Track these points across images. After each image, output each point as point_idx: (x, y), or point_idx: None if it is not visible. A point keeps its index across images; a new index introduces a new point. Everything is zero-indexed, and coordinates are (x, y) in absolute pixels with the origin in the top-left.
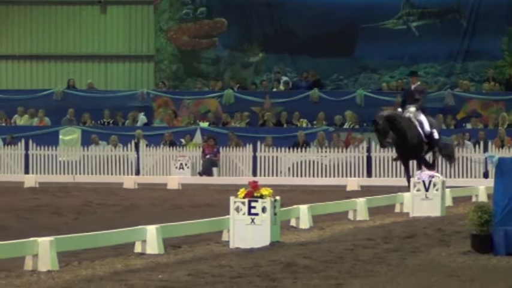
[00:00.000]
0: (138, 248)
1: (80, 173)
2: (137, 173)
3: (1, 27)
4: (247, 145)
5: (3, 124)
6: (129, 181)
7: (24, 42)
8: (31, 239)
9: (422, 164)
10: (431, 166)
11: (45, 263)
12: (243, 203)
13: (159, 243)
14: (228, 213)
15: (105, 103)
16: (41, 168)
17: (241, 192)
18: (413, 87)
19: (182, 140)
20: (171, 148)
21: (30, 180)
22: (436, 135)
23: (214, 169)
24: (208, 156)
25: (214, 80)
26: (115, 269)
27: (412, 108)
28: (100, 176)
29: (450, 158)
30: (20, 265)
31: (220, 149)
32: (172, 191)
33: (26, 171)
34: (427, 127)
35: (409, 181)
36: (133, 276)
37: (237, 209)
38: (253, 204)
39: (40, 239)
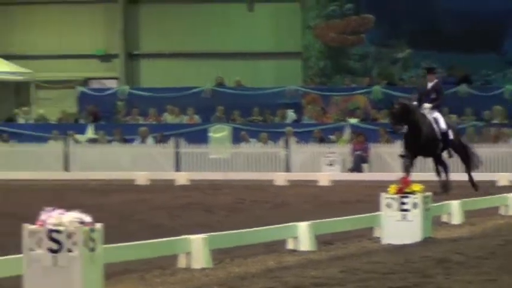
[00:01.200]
0: (290, 245)
1: (230, 171)
2: (287, 170)
3: (151, 26)
4: (397, 141)
5: (154, 122)
6: (280, 178)
7: (173, 40)
8: (184, 236)
9: (439, 164)
10: (447, 167)
11: (199, 260)
12: (394, 199)
13: (311, 239)
14: (378, 209)
15: (254, 100)
16: (192, 166)
17: (392, 188)
18: (430, 85)
19: (331, 137)
20: (320, 145)
21: (182, 178)
22: (451, 136)
23: (364, 165)
24: (358, 153)
25: (361, 77)
26: (267, 266)
27: (427, 105)
28: (250, 173)
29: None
30: (173, 263)
31: (370, 145)
32: (323, 188)
33: (177, 169)
34: (442, 125)
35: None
36: (286, 273)
37: (388, 205)
38: (404, 200)
39: (193, 237)
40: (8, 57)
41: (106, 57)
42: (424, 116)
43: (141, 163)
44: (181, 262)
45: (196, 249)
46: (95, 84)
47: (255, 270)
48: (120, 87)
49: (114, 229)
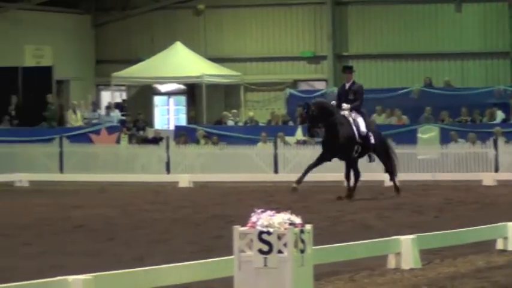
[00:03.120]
0: (499, 245)
1: (439, 171)
2: (496, 170)
3: (359, 27)
4: None
5: None
6: (488, 178)
7: (380, 41)
8: (394, 237)
9: (352, 168)
10: (358, 175)
11: (408, 260)
12: None
13: None
14: None
15: (462, 100)
16: (401, 167)
17: None
18: (347, 85)
19: None
20: None
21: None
22: (372, 140)
23: None
24: None
25: None
26: (477, 266)
27: (346, 105)
28: (459, 173)
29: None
30: (382, 263)
31: None
32: None
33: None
34: (363, 128)
35: (300, 180)
36: (496, 273)
37: None
38: None
39: (403, 237)
40: (219, 61)
41: (314, 59)
42: (344, 117)
43: None
44: (391, 263)
45: (405, 249)
46: (303, 86)
47: (464, 270)
48: (329, 89)
49: (324, 230)
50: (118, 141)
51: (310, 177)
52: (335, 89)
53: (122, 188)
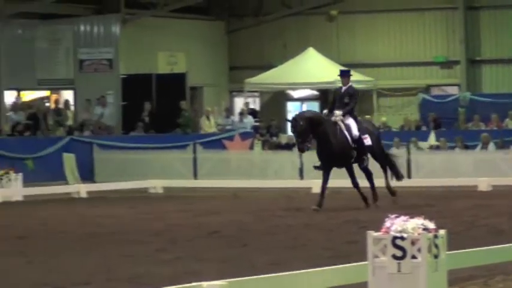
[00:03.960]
0: None
1: None
2: None
3: (491, 31)
4: None
5: (495, 128)
6: None
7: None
8: None
9: (350, 175)
10: (357, 184)
11: None
12: None
13: None
14: None
15: None
16: None
17: None
18: (343, 89)
19: None
20: None
21: None
22: (367, 141)
23: None
24: None
25: None
26: None
27: (338, 112)
28: None
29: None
30: None
31: None
32: None
33: None
34: (355, 131)
35: (323, 194)
36: None
37: None
38: None
39: None
40: (351, 66)
41: (447, 64)
42: (334, 124)
43: (483, 169)
44: None
45: None
46: (435, 91)
47: None
48: (462, 94)
49: (458, 235)
50: (251, 147)
51: (441, 182)
52: (468, 94)
53: (255, 194)
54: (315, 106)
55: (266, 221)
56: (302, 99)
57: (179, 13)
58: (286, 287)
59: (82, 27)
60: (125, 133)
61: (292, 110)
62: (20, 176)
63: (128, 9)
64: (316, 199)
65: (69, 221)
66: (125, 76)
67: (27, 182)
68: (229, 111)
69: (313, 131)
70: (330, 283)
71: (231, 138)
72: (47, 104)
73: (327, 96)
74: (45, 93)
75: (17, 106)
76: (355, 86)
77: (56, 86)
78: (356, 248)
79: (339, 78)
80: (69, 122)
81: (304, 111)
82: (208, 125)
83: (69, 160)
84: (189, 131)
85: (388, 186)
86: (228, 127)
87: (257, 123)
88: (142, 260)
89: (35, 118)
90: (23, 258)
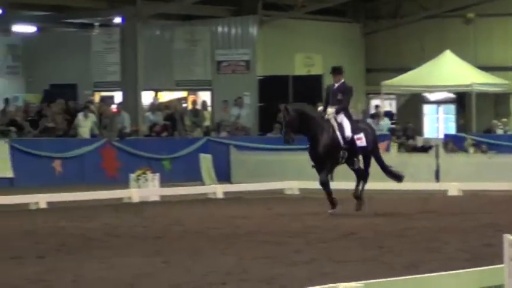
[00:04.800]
0: None
1: None
2: None
3: None
4: None
5: None
6: None
7: None
8: None
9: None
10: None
11: None
12: None
13: None
14: None
15: None
16: None
17: None
18: (336, 86)
19: None
20: None
21: None
22: (361, 142)
23: None
24: None
25: None
26: None
27: (331, 109)
28: None
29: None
30: None
31: None
32: None
33: None
34: (347, 131)
35: (329, 194)
36: None
37: None
38: None
39: None
40: (488, 69)
41: None
42: (327, 121)
43: None
44: None
45: None
46: None
47: None
48: None
49: None
50: (388, 149)
51: None
52: None
53: (390, 196)
54: (451, 109)
55: (402, 223)
56: (438, 102)
57: (316, 15)
58: None
59: (220, 29)
60: (261, 134)
61: (428, 112)
62: (157, 176)
63: (265, 10)
64: (449, 202)
65: (206, 221)
66: (261, 77)
67: (164, 182)
68: (366, 113)
69: (302, 125)
70: (466, 286)
71: None
72: (184, 105)
73: (463, 99)
74: (182, 94)
75: (155, 107)
76: (491, 89)
77: (193, 86)
78: (492, 251)
79: (475, 80)
80: (206, 123)
81: (297, 103)
82: None
83: (206, 161)
84: None
85: (356, 189)
86: None
87: (393, 126)
88: (278, 261)
89: (172, 119)
90: (159, 258)
